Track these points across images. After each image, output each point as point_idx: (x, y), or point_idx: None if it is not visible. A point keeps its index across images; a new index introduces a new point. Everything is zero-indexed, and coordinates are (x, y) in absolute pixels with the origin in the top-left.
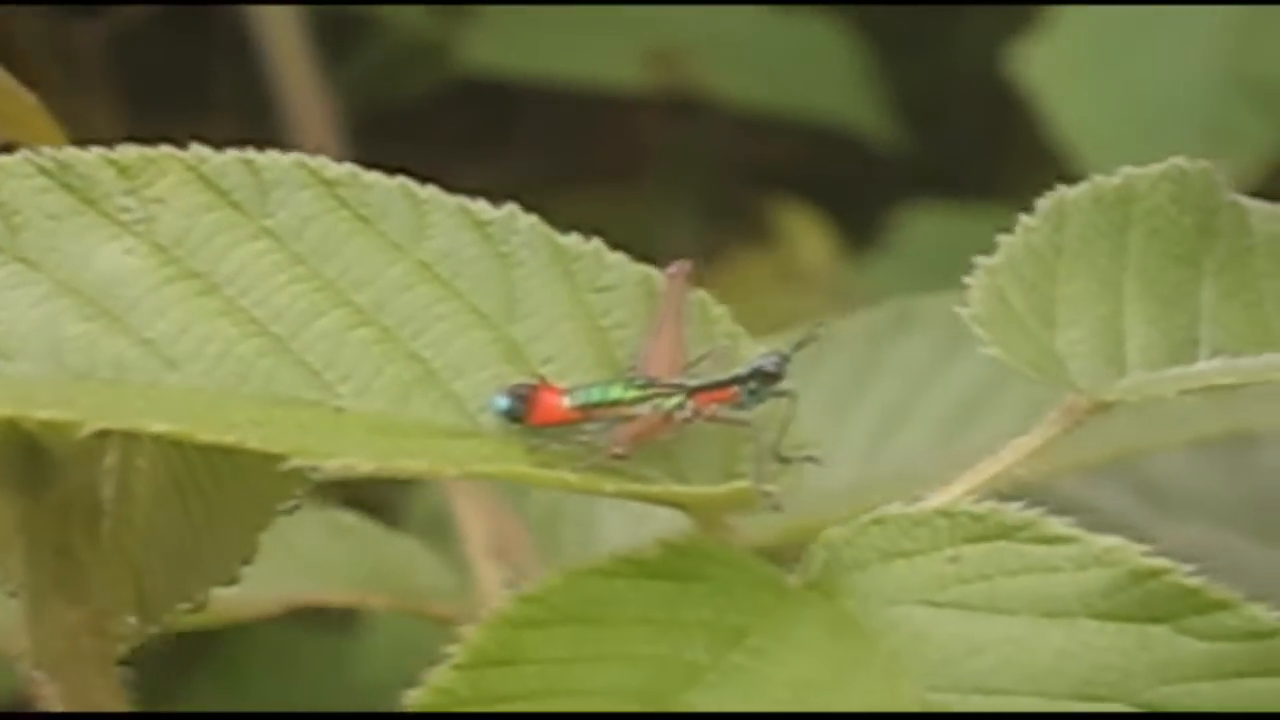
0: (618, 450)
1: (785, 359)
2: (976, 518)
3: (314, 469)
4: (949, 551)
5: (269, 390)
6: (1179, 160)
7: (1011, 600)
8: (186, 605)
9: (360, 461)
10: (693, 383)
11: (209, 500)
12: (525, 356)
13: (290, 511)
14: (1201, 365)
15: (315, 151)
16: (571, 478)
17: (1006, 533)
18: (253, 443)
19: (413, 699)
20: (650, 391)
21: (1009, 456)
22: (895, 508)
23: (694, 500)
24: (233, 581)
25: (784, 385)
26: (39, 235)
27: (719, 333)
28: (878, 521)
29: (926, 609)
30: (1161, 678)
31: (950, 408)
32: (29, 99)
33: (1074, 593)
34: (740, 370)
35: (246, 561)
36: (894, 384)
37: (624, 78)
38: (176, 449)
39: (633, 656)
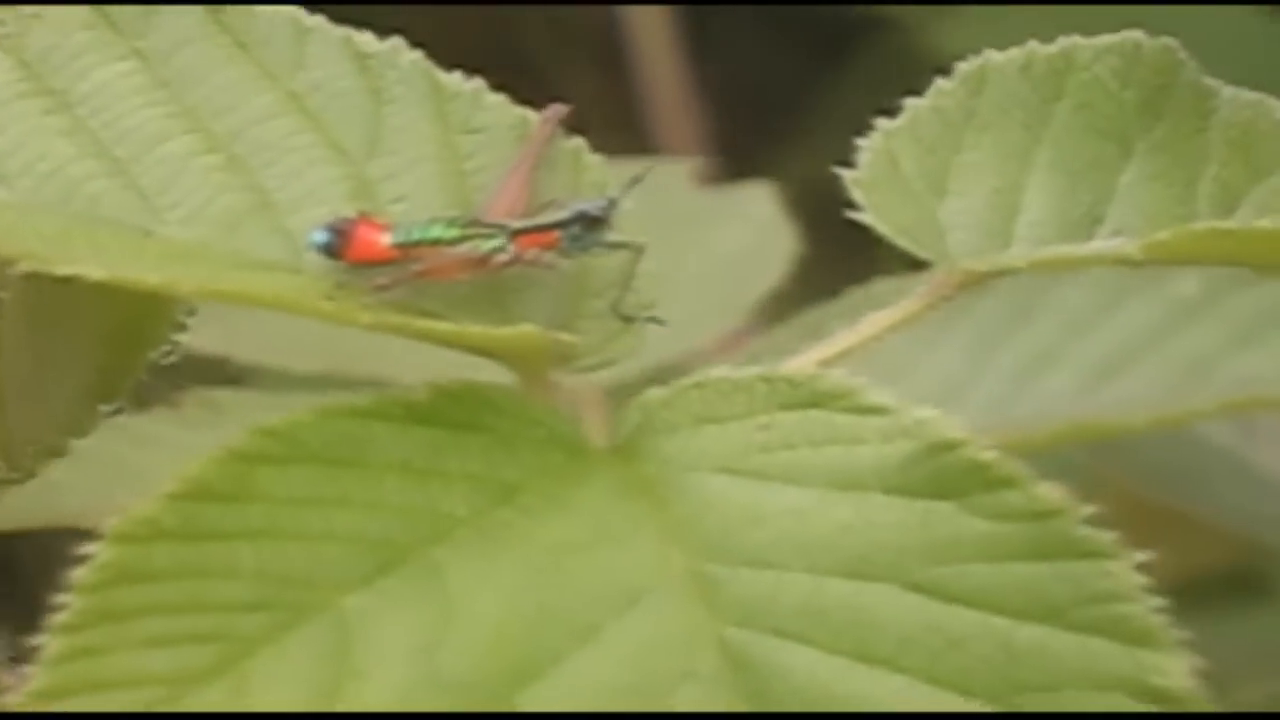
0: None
1: (611, 203)
2: (795, 384)
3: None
4: (762, 418)
5: (92, 211)
6: (1135, 34)
7: (809, 471)
8: (44, 450)
9: (127, 274)
10: (514, 225)
11: (55, 333)
12: (374, 194)
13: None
14: (1092, 244)
15: None
16: (363, 314)
17: (821, 400)
18: (52, 258)
19: (107, 525)
20: (470, 232)
21: (867, 328)
22: (720, 370)
23: (480, 341)
24: (83, 431)
25: (627, 239)
26: None
27: (586, 182)
28: (698, 385)
29: (724, 476)
30: (937, 557)
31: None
32: None
33: (872, 465)
34: (562, 214)
35: (103, 401)
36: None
37: None
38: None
39: (379, 504)
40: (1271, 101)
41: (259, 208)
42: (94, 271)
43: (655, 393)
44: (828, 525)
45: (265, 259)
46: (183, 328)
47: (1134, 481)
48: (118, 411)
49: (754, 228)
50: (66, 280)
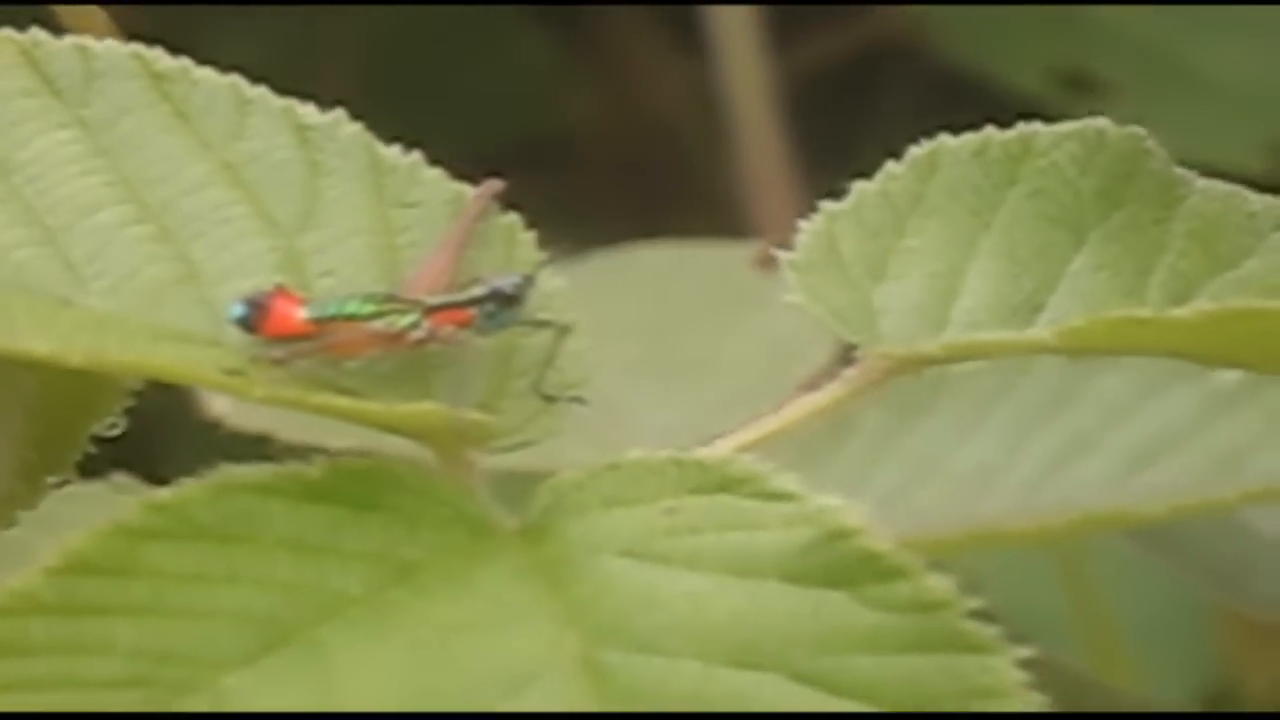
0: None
1: (527, 281)
2: (705, 468)
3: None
4: (670, 501)
5: (16, 279)
6: (1100, 121)
7: (710, 556)
8: None
9: (42, 346)
10: (430, 301)
11: None
12: (304, 268)
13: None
14: (1025, 332)
15: None
16: (258, 389)
17: (729, 485)
18: None
19: None
20: (386, 308)
21: (796, 411)
22: (635, 453)
23: (382, 419)
24: (26, 504)
25: (550, 317)
26: None
27: (520, 259)
28: (612, 467)
29: (625, 560)
30: (824, 647)
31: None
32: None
33: (772, 551)
34: (476, 290)
35: (45, 474)
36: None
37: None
38: None
39: (267, 581)
40: (1245, 194)
41: (185, 279)
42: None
43: (569, 474)
44: (721, 612)
45: (186, 331)
46: (129, 399)
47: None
48: (63, 484)
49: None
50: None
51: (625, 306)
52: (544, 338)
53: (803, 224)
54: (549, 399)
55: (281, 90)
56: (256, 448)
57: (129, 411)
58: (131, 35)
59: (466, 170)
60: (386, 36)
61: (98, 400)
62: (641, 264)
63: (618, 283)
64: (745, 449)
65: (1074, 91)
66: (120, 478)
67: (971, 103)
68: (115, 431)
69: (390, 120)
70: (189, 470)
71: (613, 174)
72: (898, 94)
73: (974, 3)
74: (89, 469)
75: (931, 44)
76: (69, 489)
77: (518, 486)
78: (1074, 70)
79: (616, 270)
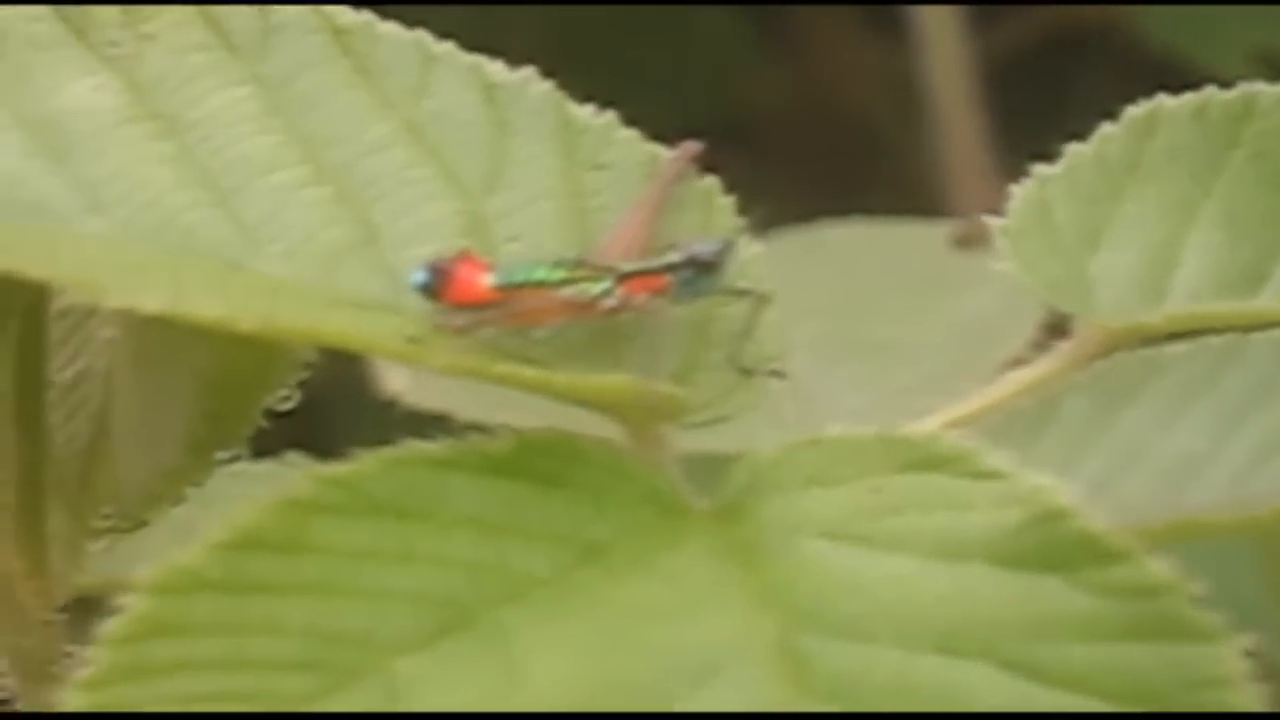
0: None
1: (726, 247)
2: (912, 445)
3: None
4: (874, 481)
5: (186, 243)
6: None
7: (915, 538)
8: (154, 497)
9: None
10: (624, 267)
11: (158, 375)
12: (489, 232)
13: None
14: (1252, 302)
15: None
16: (438, 357)
17: (937, 464)
18: (124, 291)
19: (146, 575)
20: (577, 274)
21: (1006, 387)
22: (837, 429)
23: (569, 390)
24: (196, 479)
25: (750, 286)
26: (15, 66)
27: (718, 225)
28: (812, 444)
29: (825, 541)
30: (1036, 634)
31: None
32: None
33: (980, 533)
34: (673, 256)
35: (216, 448)
36: None
37: None
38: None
39: (447, 560)
40: None
41: (364, 243)
42: (149, 303)
43: (766, 451)
44: (927, 597)
45: (364, 297)
46: (304, 371)
47: None
48: (234, 459)
49: (1001, 293)
50: (165, 318)
51: (814, 285)
52: (741, 308)
53: (1014, 189)
54: (746, 372)
55: None
56: (437, 428)
57: (305, 389)
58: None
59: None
60: (572, 15)
61: (270, 373)
62: (831, 242)
63: (806, 261)
64: (952, 427)
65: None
66: (293, 456)
67: (1172, 88)
68: (288, 405)
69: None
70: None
71: (805, 157)
72: (1096, 78)
73: None
74: (262, 447)
75: (1132, 27)
76: (239, 466)
77: (705, 470)
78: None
79: (805, 248)
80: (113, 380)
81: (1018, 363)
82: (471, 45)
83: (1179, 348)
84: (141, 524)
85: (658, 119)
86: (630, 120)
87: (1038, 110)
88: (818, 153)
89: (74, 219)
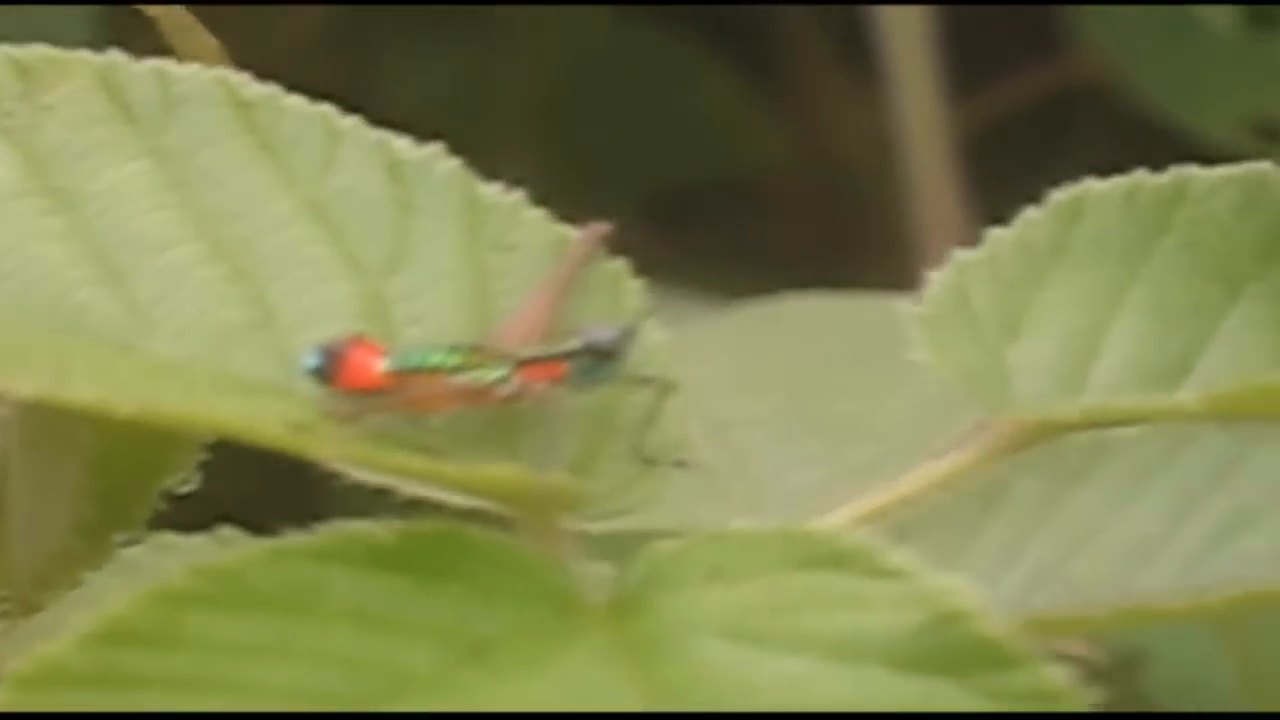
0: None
1: (626, 334)
2: (814, 541)
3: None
4: (774, 577)
5: (77, 321)
6: (1262, 166)
7: (815, 638)
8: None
9: (90, 394)
10: (522, 353)
11: (47, 456)
12: (388, 314)
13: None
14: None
15: None
16: (325, 448)
17: (838, 561)
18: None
19: (11, 670)
20: (474, 360)
21: (912, 482)
22: (742, 523)
23: (460, 482)
24: (91, 563)
25: (652, 373)
26: None
27: (625, 309)
28: (715, 538)
29: (723, 641)
30: None
31: None
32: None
33: (879, 634)
34: (571, 342)
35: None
36: (1250, 487)
37: None
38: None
39: (325, 655)
40: None
41: (259, 324)
42: (26, 385)
43: (667, 544)
44: (822, 699)
45: (256, 381)
46: (201, 453)
47: None
48: (131, 543)
49: None
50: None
51: (772, 359)
52: (646, 395)
53: (932, 275)
54: (649, 462)
55: (457, 123)
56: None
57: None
58: (311, 60)
59: (642, 208)
60: (568, 69)
61: (164, 453)
62: (792, 314)
63: (766, 333)
64: (866, 519)
65: (1270, 142)
66: (227, 530)
67: (1162, 152)
68: (188, 488)
69: (567, 157)
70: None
71: (793, 218)
72: (1086, 142)
73: (1165, 48)
74: (252, 512)
75: (1122, 90)
76: (168, 539)
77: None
78: (1270, 120)
79: (765, 320)
80: (5, 461)
81: (936, 454)
82: (468, 98)
83: (1131, 429)
84: (34, 609)
85: (653, 174)
86: (625, 175)
87: (1025, 175)
88: (812, 210)
89: None
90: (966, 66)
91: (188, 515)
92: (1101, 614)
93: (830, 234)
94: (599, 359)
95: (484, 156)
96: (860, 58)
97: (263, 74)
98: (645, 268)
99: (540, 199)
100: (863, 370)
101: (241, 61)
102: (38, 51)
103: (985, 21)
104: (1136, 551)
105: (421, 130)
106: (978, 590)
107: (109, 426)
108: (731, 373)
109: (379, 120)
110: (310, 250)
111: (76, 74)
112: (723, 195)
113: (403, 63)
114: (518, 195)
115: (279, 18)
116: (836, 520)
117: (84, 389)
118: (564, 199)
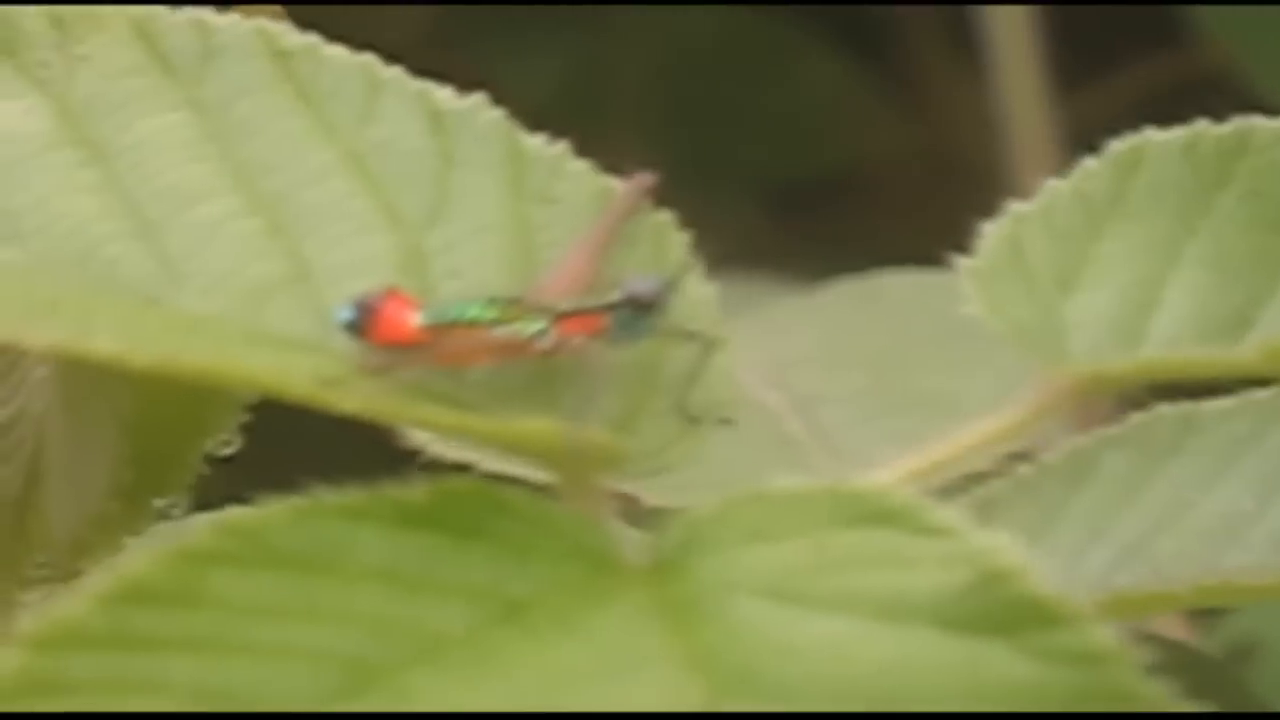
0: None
1: (667, 285)
2: (861, 499)
3: None
4: (817, 535)
5: (107, 276)
6: None
7: (859, 598)
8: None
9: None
10: (561, 306)
11: (84, 417)
12: (428, 267)
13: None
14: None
15: None
16: (350, 400)
17: (883, 519)
18: (31, 326)
19: (27, 627)
20: (512, 313)
21: (966, 438)
22: (786, 481)
23: (492, 436)
24: (131, 528)
25: (695, 328)
26: None
27: (669, 262)
28: (758, 497)
29: (764, 601)
30: (978, 702)
31: None
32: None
33: (925, 594)
34: (611, 295)
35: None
36: None
37: None
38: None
39: (354, 616)
40: None
41: (295, 278)
42: (45, 337)
43: (707, 505)
44: (866, 661)
45: (290, 336)
46: (245, 414)
47: None
48: (171, 508)
49: None
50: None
51: (863, 336)
52: (690, 352)
53: (986, 227)
54: (692, 420)
55: (568, 118)
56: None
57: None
58: (418, 58)
59: (756, 199)
60: (676, 62)
61: (203, 416)
62: (885, 291)
63: (858, 310)
64: (915, 477)
65: None
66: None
67: None
68: (229, 450)
69: (680, 151)
70: None
71: (905, 209)
72: None
73: None
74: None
75: (1239, 82)
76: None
77: None
78: None
79: (858, 297)
80: (45, 423)
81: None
82: (578, 93)
83: (1223, 403)
84: (75, 574)
85: (767, 166)
86: (739, 167)
87: None
88: (925, 200)
89: None
90: (1083, 58)
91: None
92: (1184, 591)
93: (942, 225)
94: (639, 311)
95: (596, 151)
96: (972, 48)
97: None
98: (760, 257)
99: (656, 190)
100: (953, 347)
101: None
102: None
103: (1101, 12)
104: (1225, 528)
105: (532, 126)
106: (1023, 549)
107: (145, 388)
108: (821, 349)
109: None
110: (349, 203)
111: (111, 24)
112: (836, 186)
113: (510, 59)
114: (561, 147)
115: (386, 14)
116: (884, 478)
117: (105, 341)
118: (678, 192)
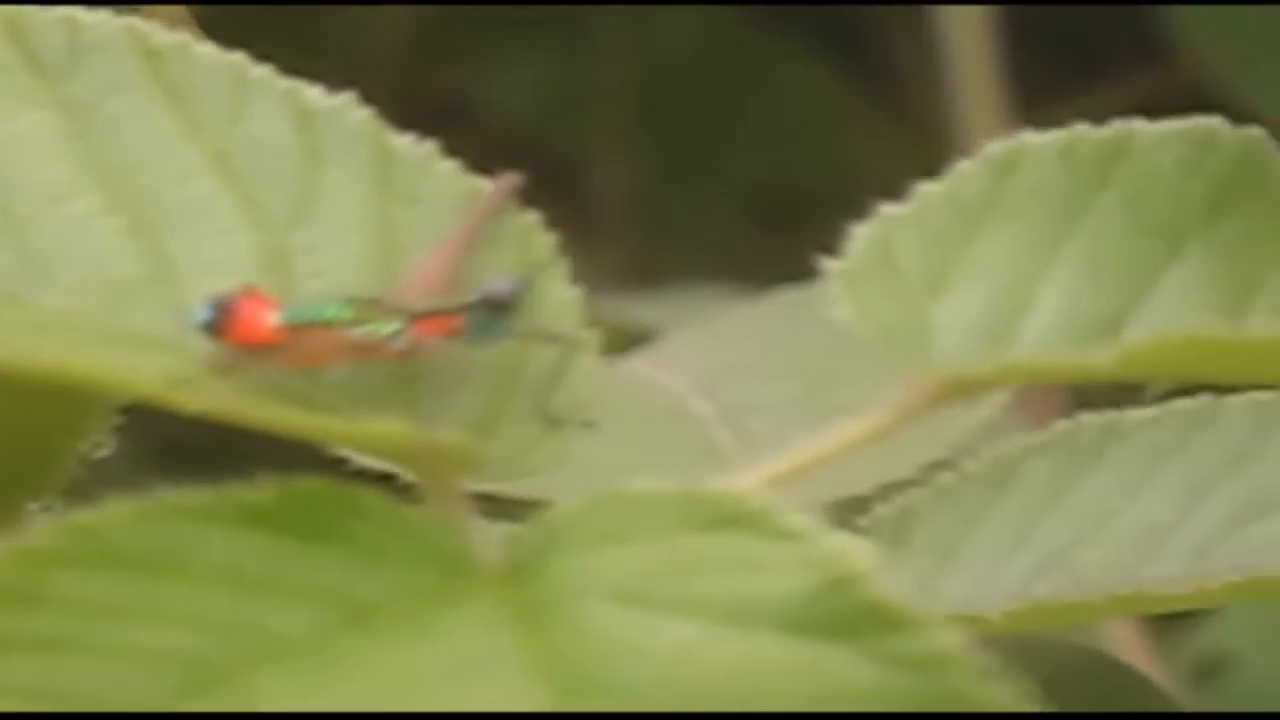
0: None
1: (521, 285)
2: (714, 503)
3: None
4: (671, 539)
5: None
6: (1212, 121)
7: (707, 601)
8: None
9: None
10: (418, 307)
11: None
12: (291, 267)
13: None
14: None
15: None
16: (194, 400)
17: (736, 523)
18: None
19: None
20: (369, 313)
21: (830, 441)
22: (643, 483)
23: (342, 438)
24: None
25: (555, 329)
26: None
27: (533, 264)
28: (613, 500)
29: (615, 604)
30: (822, 706)
31: None
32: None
33: (775, 598)
34: (467, 296)
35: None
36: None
37: None
38: None
39: (197, 618)
40: None
41: (157, 278)
42: None
43: (564, 507)
44: (714, 667)
45: (149, 335)
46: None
47: None
48: (46, 509)
49: None
50: None
51: (795, 344)
52: (553, 354)
53: (857, 229)
54: (553, 422)
55: (552, 126)
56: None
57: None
58: (401, 64)
59: (743, 209)
60: (660, 70)
61: (76, 417)
62: (822, 299)
63: (793, 318)
64: (776, 480)
65: None
66: None
67: None
68: (101, 453)
69: (665, 159)
70: None
71: None
72: None
73: (1268, 51)
74: None
75: (1221, 96)
76: None
77: None
78: None
79: (796, 305)
80: None
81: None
82: (561, 101)
83: (1146, 411)
84: None
85: (753, 175)
86: (725, 176)
87: None
88: None
89: None
90: (1064, 70)
91: None
92: (1100, 601)
93: None
94: (495, 312)
95: (581, 160)
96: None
97: (353, 78)
98: (748, 268)
99: (639, 200)
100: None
101: (332, 63)
102: None
103: (1081, 24)
104: (1146, 537)
105: (517, 133)
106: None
107: (9, 388)
108: (758, 357)
109: (472, 125)
110: (214, 202)
111: None
112: (822, 194)
113: (493, 69)
114: (429, 146)
115: (369, 24)
116: (745, 481)
117: None
118: (664, 201)
